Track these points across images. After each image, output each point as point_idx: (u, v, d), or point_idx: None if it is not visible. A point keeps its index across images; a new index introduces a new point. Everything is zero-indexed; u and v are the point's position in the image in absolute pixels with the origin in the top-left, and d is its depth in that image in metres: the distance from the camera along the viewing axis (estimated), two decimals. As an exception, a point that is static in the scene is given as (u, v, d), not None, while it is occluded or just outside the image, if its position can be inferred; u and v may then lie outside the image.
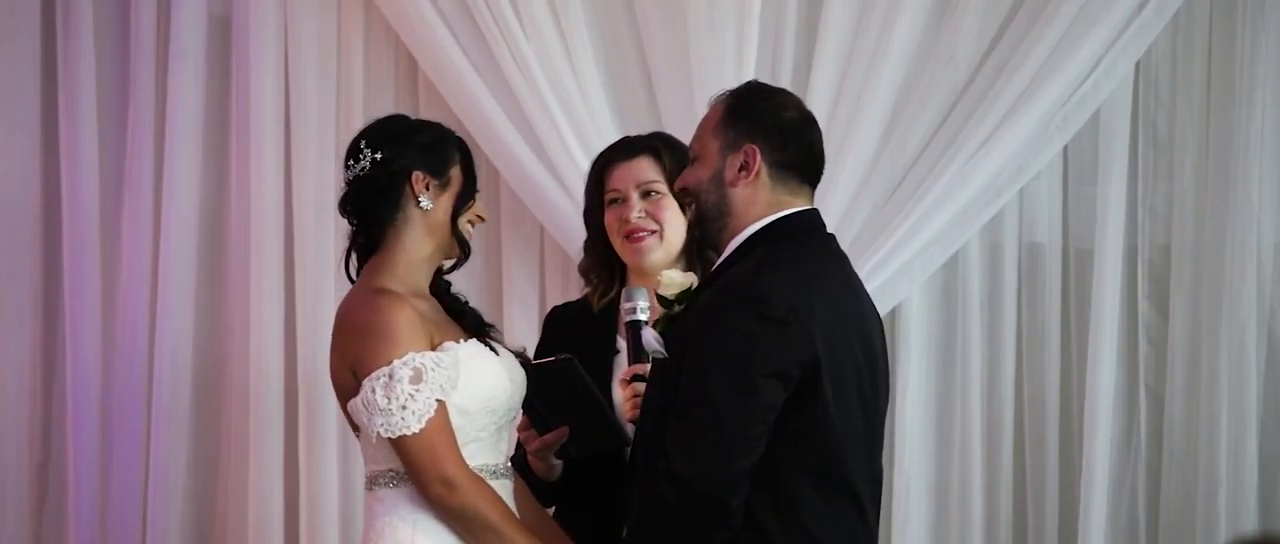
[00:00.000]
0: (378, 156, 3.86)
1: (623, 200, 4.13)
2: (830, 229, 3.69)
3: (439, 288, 3.94)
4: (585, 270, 4.25)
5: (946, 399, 4.95)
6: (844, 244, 3.75)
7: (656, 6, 4.91)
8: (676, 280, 3.84)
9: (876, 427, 3.66)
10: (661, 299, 3.84)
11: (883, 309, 4.61)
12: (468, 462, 3.78)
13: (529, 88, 4.91)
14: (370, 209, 3.86)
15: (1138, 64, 4.87)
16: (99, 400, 5.16)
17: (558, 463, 4.02)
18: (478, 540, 3.77)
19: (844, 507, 3.55)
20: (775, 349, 3.43)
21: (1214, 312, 4.84)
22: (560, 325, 4.23)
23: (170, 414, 5.12)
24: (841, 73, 4.86)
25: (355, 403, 3.77)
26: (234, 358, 5.13)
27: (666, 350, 3.61)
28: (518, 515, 3.84)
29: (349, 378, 3.79)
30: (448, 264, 3.94)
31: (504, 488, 3.85)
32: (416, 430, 3.73)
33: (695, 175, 3.63)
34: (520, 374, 3.92)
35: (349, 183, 3.89)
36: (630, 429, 3.89)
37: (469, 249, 3.91)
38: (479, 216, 3.93)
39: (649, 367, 3.74)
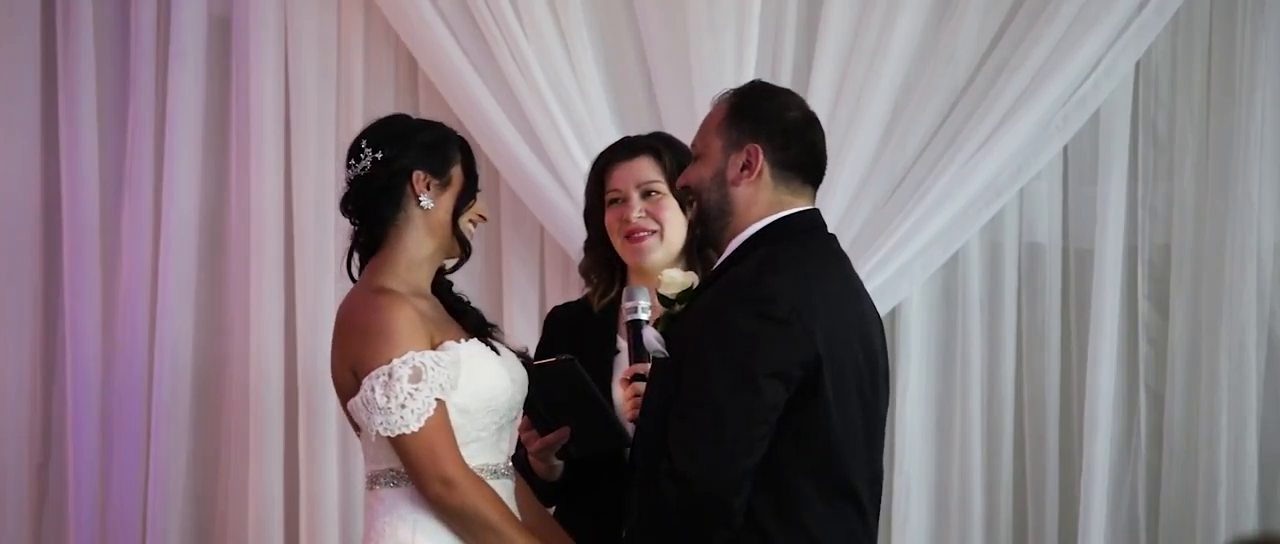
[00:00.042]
0: (379, 156, 3.86)
1: (623, 200, 4.13)
2: (830, 229, 3.69)
3: (441, 287, 3.94)
4: (585, 270, 4.25)
5: (946, 399, 4.95)
6: (844, 244, 3.75)
7: (656, 6, 4.91)
8: (677, 280, 3.84)
9: (877, 427, 3.66)
10: (662, 298, 3.84)
11: (883, 309, 4.61)
12: (469, 461, 3.78)
13: (529, 88, 4.91)
14: (371, 209, 3.86)
15: (1138, 64, 4.88)
16: (99, 400, 5.16)
17: (559, 463, 4.02)
18: (477, 540, 3.77)
19: (844, 507, 3.55)
20: (777, 349, 3.44)
21: (1214, 312, 4.84)
22: (560, 325, 4.23)
23: (170, 414, 5.12)
24: (841, 73, 4.86)
25: (355, 402, 3.78)
26: (234, 358, 5.13)
27: (667, 350, 3.61)
28: (519, 515, 3.84)
29: (349, 377, 3.79)
30: (449, 264, 3.94)
31: (505, 488, 3.85)
32: (415, 429, 3.73)
33: (697, 173, 3.63)
34: (521, 374, 3.92)
35: (350, 182, 3.89)
36: (631, 429, 3.89)
37: (470, 248, 3.91)
38: (480, 216, 3.94)
39: (650, 366, 3.74)
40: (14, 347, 5.21)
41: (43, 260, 5.23)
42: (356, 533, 4.96)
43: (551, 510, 4.07)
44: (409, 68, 5.12)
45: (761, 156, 3.56)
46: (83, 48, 5.16)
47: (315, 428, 5.05)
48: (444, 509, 3.76)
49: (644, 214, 4.11)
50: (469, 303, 3.98)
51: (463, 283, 4.02)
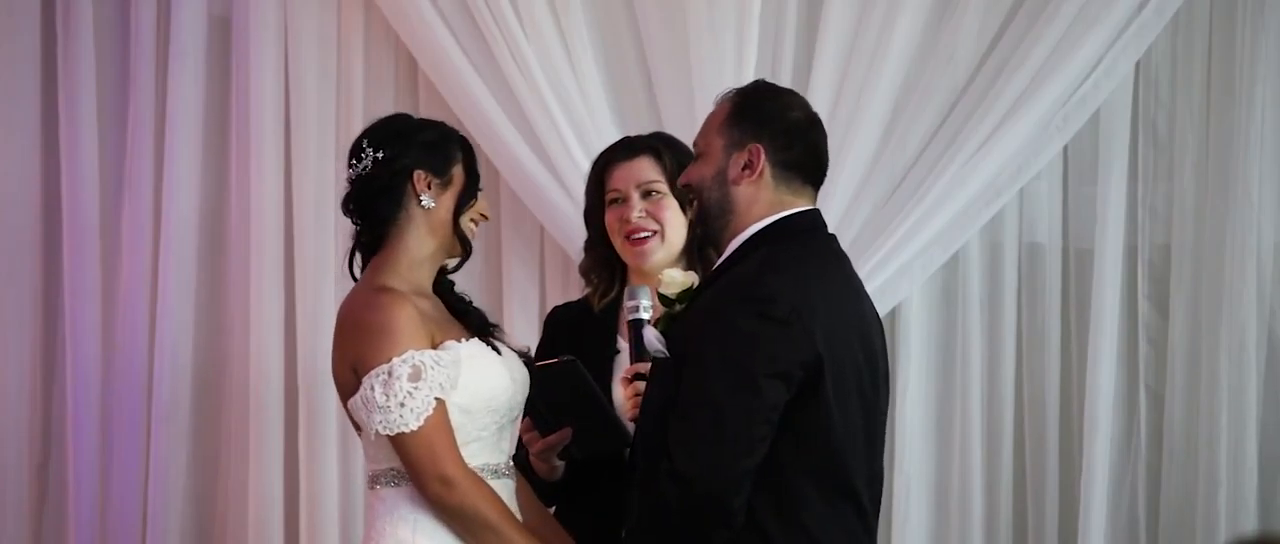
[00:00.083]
0: (380, 156, 3.86)
1: (623, 200, 4.13)
2: (830, 229, 3.69)
3: (443, 287, 3.94)
4: (586, 270, 4.25)
5: (946, 399, 4.95)
6: (844, 244, 3.75)
7: (656, 6, 4.91)
8: (677, 279, 3.85)
9: (877, 427, 3.66)
10: (663, 298, 3.84)
11: (883, 309, 4.61)
12: (470, 461, 3.78)
13: (529, 88, 4.91)
14: (372, 208, 3.86)
15: (1138, 64, 4.88)
16: (99, 400, 5.16)
17: (560, 464, 4.02)
18: (476, 539, 3.77)
19: (844, 507, 3.55)
20: (778, 349, 3.44)
21: (1214, 312, 4.84)
22: (561, 325, 4.23)
23: (170, 414, 5.12)
24: (841, 73, 4.86)
25: (355, 400, 3.78)
26: (234, 358, 5.13)
27: (667, 350, 3.61)
28: (519, 515, 3.84)
29: (350, 376, 3.80)
30: (451, 263, 3.94)
31: (505, 487, 3.85)
32: (414, 428, 3.73)
33: (698, 172, 3.63)
34: (523, 373, 3.92)
35: (351, 182, 3.89)
36: (632, 429, 3.89)
37: (470, 247, 3.91)
38: (482, 215, 3.94)
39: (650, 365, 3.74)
40: (14, 347, 5.21)
41: (43, 260, 5.23)
42: (356, 533, 4.95)
43: (551, 510, 4.07)
44: (409, 68, 5.12)
45: (763, 156, 3.56)
46: (83, 48, 5.16)
47: (315, 428, 5.05)
48: (443, 508, 3.76)
49: (644, 214, 4.10)
50: (471, 302, 3.98)
51: (463, 283, 4.02)
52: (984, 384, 4.93)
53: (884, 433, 3.72)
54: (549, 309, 4.39)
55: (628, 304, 3.96)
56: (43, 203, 5.22)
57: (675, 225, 4.10)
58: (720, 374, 3.43)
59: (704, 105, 3.70)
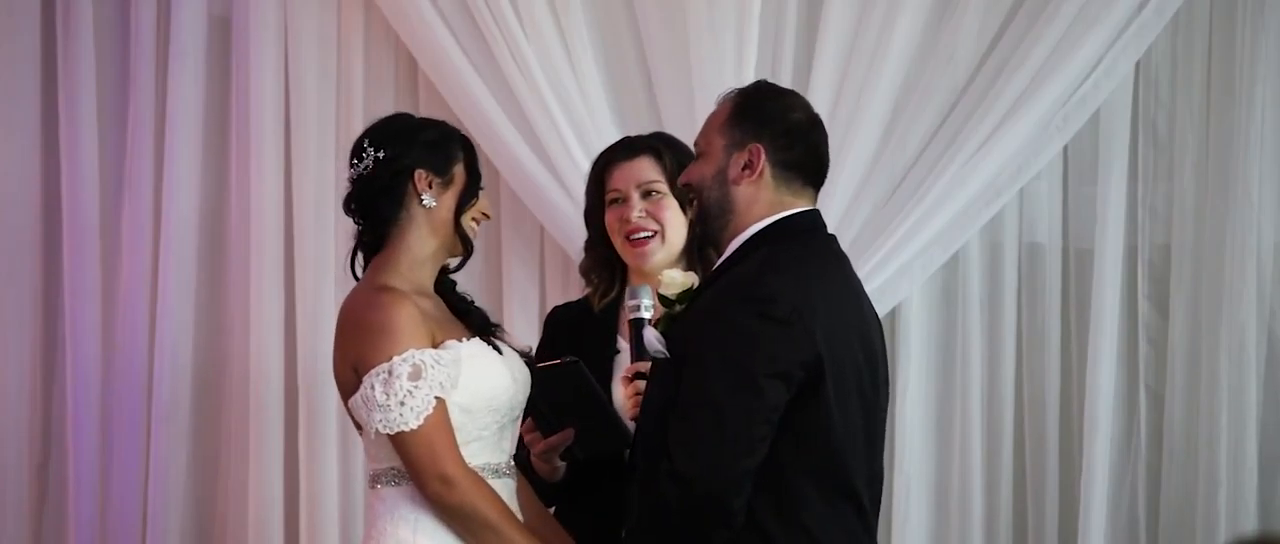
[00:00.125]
0: (381, 155, 3.86)
1: (623, 200, 4.13)
2: (830, 229, 3.69)
3: (444, 286, 3.94)
4: (586, 270, 4.24)
5: (946, 399, 4.95)
6: (844, 244, 3.75)
7: (656, 6, 4.91)
8: (678, 280, 3.85)
9: (877, 427, 3.66)
10: (663, 298, 3.84)
11: (883, 309, 4.62)
12: (470, 460, 3.78)
13: (529, 88, 4.91)
14: (374, 207, 3.87)
15: (1138, 64, 4.88)
16: (99, 400, 5.16)
17: (562, 464, 4.02)
18: (476, 539, 3.77)
19: (844, 507, 3.55)
20: (778, 349, 3.44)
21: (1214, 312, 4.84)
22: (561, 325, 4.23)
23: (170, 414, 5.12)
24: (841, 73, 4.86)
25: (355, 399, 3.78)
26: (234, 358, 5.13)
27: (667, 350, 3.61)
28: (519, 515, 3.84)
29: (351, 375, 3.80)
30: (452, 262, 3.94)
31: (506, 487, 3.85)
32: (414, 427, 3.73)
33: (699, 171, 3.63)
34: (524, 373, 3.92)
35: (353, 182, 3.90)
36: (633, 429, 3.89)
37: (472, 247, 3.92)
38: (483, 214, 3.94)
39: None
40: (14, 347, 5.21)
41: (43, 260, 5.23)
42: (356, 533, 4.95)
43: (552, 510, 4.07)
44: (409, 68, 5.12)
45: (763, 156, 3.56)
46: (83, 48, 5.16)
47: (315, 428, 5.05)
48: (443, 508, 3.76)
49: (644, 214, 4.10)
50: (473, 302, 3.98)
51: (463, 283, 4.02)
52: (984, 384, 4.93)
53: (884, 433, 3.72)
54: (549, 309, 4.38)
55: (629, 304, 3.96)
56: (43, 203, 5.22)
57: (675, 225, 4.10)
58: (720, 374, 3.43)
59: (704, 105, 3.70)
